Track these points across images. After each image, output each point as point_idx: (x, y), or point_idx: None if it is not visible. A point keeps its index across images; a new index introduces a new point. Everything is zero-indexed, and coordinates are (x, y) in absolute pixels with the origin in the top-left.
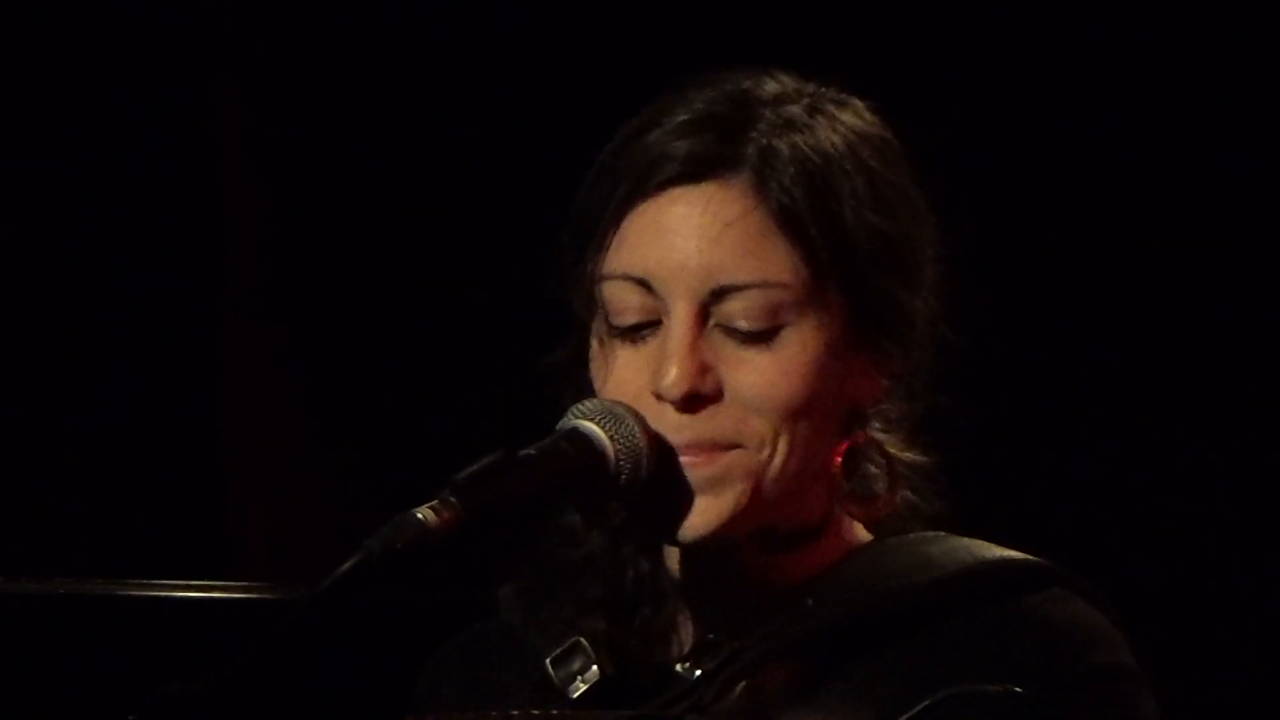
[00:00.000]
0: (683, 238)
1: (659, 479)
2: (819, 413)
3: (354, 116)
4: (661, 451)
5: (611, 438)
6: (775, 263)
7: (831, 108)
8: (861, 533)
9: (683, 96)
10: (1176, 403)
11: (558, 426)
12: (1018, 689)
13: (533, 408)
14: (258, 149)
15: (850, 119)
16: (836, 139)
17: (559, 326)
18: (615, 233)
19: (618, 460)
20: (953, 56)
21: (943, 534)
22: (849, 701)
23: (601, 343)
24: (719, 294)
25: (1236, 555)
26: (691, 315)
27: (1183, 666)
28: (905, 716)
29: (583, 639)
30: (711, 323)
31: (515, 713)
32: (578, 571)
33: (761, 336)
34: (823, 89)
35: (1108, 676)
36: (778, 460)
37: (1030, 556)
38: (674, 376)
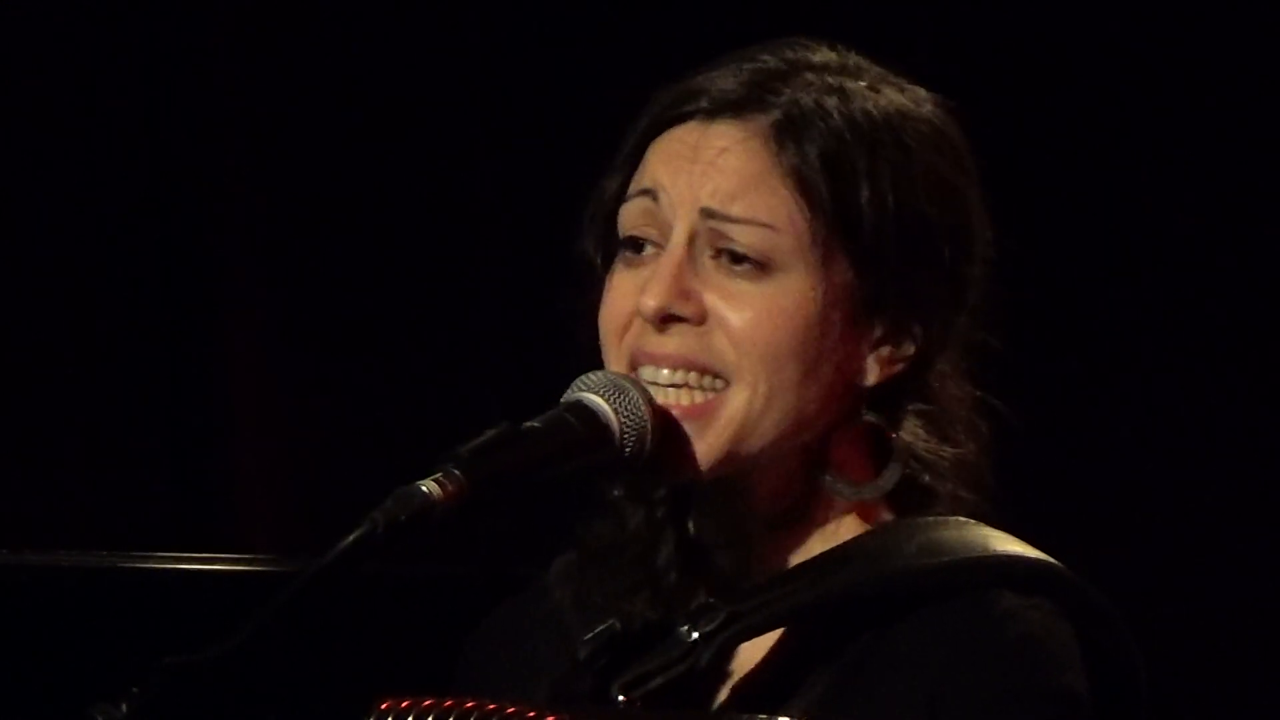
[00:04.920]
0: (687, 160)
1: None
2: (808, 370)
3: (347, 100)
4: (665, 422)
5: (616, 411)
6: (772, 207)
7: (888, 89)
8: (883, 513)
9: (746, 50)
10: (1180, 399)
11: (562, 399)
12: None
13: (535, 380)
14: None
15: (902, 101)
16: (875, 113)
17: (553, 304)
18: (642, 158)
19: (622, 433)
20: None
21: (961, 519)
22: (833, 675)
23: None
24: (708, 215)
25: (1237, 553)
26: (684, 237)
27: (1186, 662)
28: None
29: (617, 623)
30: (707, 253)
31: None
32: (621, 551)
33: (754, 274)
34: (890, 74)
35: (1056, 700)
36: (758, 402)
37: (1039, 556)
38: (651, 292)
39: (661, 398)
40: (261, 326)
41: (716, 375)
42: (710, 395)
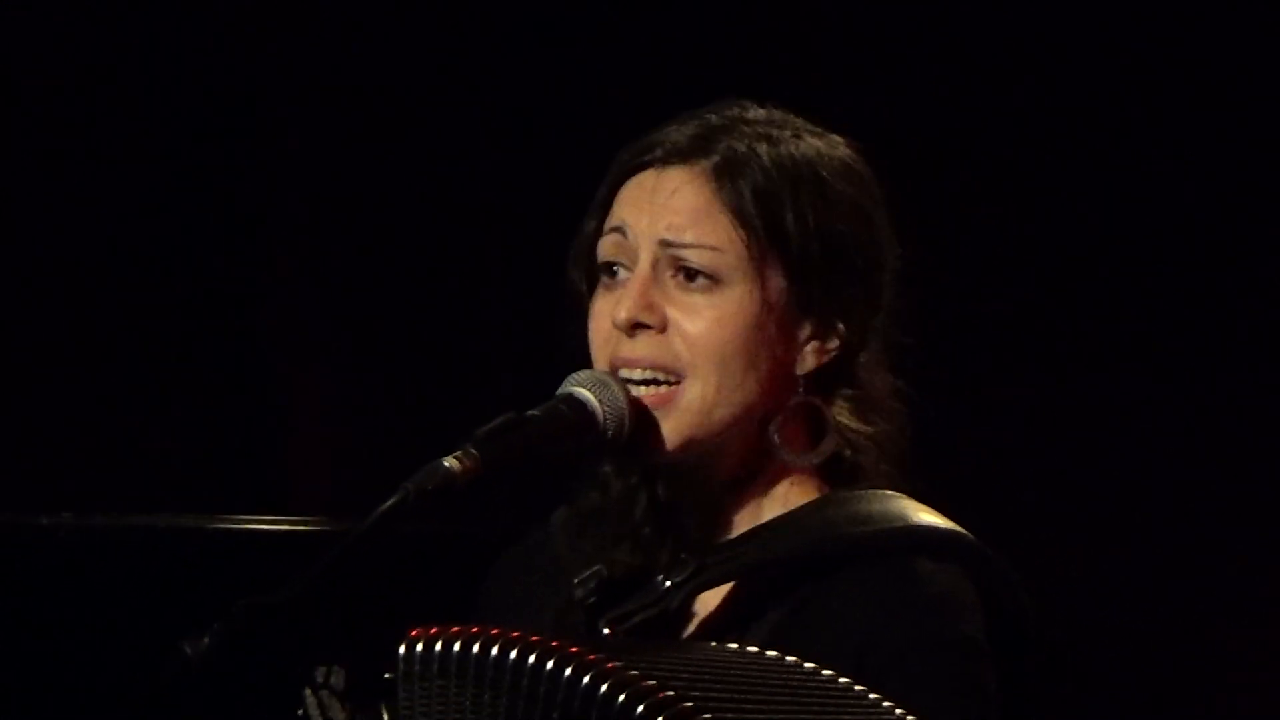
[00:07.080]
0: (648, 200)
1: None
2: (751, 363)
3: (401, 93)
4: (639, 411)
5: (601, 401)
6: (715, 232)
7: (809, 136)
8: (818, 488)
9: (692, 111)
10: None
11: (557, 392)
12: None
13: (540, 375)
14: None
15: (820, 144)
16: (798, 155)
17: (561, 307)
18: (613, 202)
19: (605, 420)
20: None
21: (887, 493)
22: (779, 620)
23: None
24: (666, 245)
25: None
26: (648, 262)
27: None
28: None
29: (601, 567)
30: (668, 273)
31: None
32: (607, 511)
33: (705, 288)
34: (810, 125)
35: (961, 645)
36: (710, 392)
37: (951, 526)
38: (623, 306)
39: (636, 392)
40: (315, 311)
41: (676, 373)
42: (672, 388)
